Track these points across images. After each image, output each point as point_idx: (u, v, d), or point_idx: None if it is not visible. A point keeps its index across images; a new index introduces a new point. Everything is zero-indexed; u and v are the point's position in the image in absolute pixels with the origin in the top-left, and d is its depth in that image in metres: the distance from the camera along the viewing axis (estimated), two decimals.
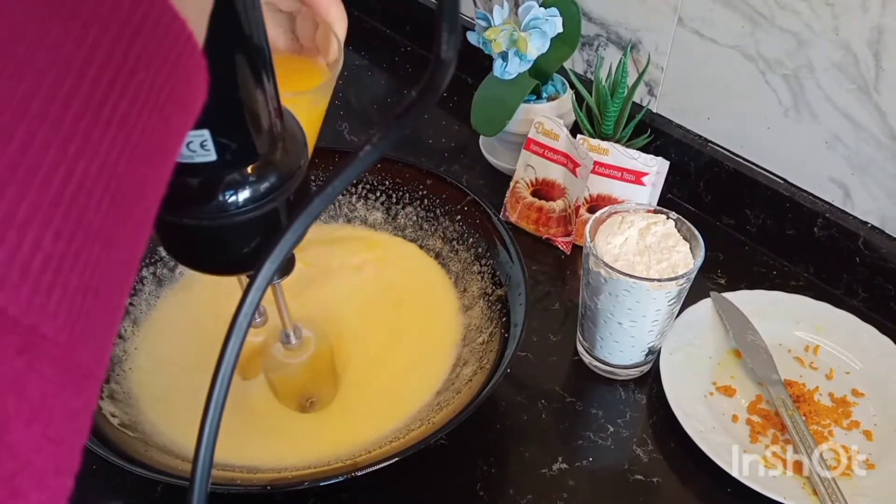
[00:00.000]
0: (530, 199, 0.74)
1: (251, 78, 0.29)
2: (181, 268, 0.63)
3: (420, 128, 0.91)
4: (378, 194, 0.67)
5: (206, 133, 0.28)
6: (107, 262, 0.17)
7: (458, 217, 0.64)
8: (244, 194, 0.31)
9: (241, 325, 0.26)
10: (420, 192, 0.66)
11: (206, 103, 0.25)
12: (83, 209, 0.16)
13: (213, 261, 0.35)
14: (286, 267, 0.39)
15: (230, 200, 0.31)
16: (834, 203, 0.67)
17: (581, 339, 0.62)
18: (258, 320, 0.48)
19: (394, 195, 0.67)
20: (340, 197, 0.68)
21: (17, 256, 0.14)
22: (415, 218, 0.66)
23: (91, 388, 0.17)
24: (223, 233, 0.32)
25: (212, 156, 0.29)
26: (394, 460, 0.45)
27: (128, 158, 0.17)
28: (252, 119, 0.30)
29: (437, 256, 0.65)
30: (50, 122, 0.15)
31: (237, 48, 0.28)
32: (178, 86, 0.19)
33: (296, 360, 0.51)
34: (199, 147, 0.29)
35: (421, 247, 0.66)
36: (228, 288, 0.62)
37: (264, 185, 0.31)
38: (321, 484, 0.45)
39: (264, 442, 0.52)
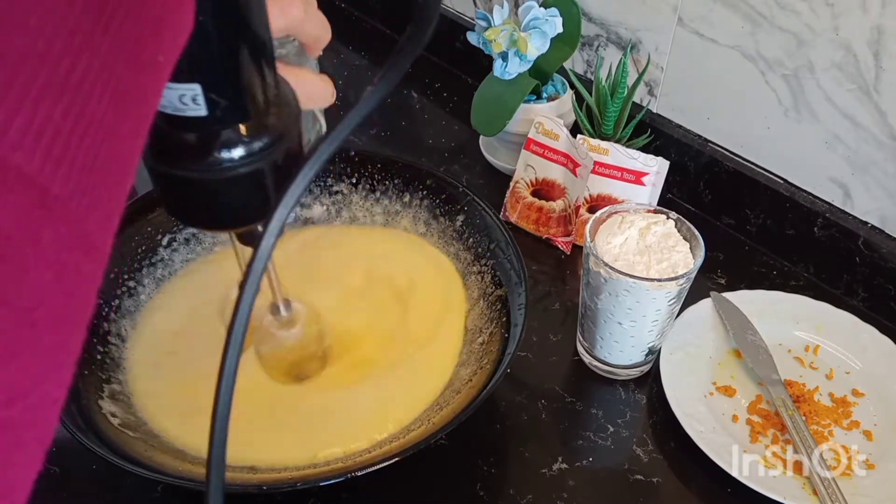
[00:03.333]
0: (530, 199, 0.74)
1: (245, 38, 0.30)
2: (180, 269, 0.63)
3: (420, 128, 0.91)
4: (378, 195, 0.67)
5: (197, 87, 0.29)
6: (108, 150, 0.19)
7: (458, 217, 0.64)
8: (232, 151, 0.32)
9: (257, 269, 0.27)
10: (420, 193, 0.66)
11: (199, 59, 0.28)
12: (87, 96, 0.18)
13: (200, 214, 0.36)
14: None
15: (217, 156, 0.32)
16: (834, 203, 0.67)
17: (581, 339, 0.62)
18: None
19: (394, 195, 0.67)
20: (341, 197, 0.68)
21: (32, 125, 0.17)
22: (415, 218, 0.66)
23: (98, 261, 0.19)
24: (209, 186, 0.33)
25: (202, 111, 0.30)
26: (394, 460, 0.45)
27: (124, 63, 0.19)
28: (244, 79, 0.31)
29: (437, 256, 0.65)
30: (58, 17, 0.17)
31: (232, 7, 0.29)
32: (167, 6, 0.22)
33: (287, 333, 0.51)
34: (191, 101, 0.30)
35: (420, 247, 0.66)
36: (226, 289, 0.62)
37: (252, 145, 0.32)
38: (321, 484, 0.45)
39: (264, 442, 0.52)
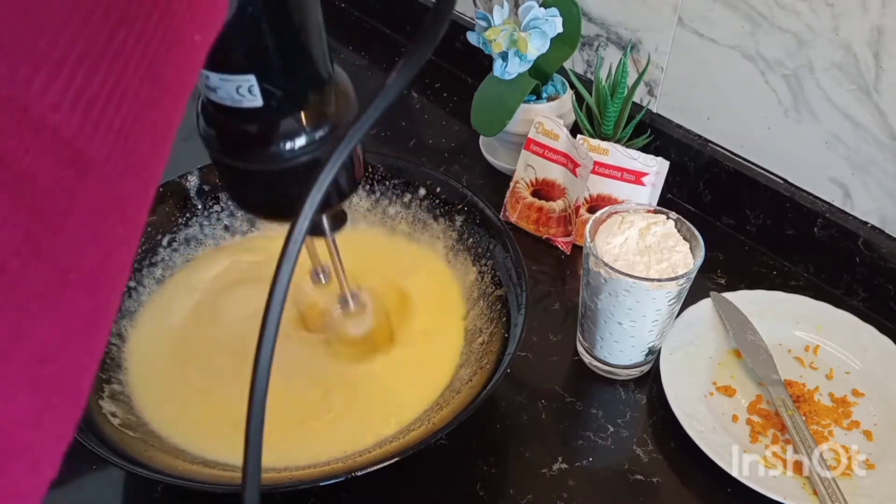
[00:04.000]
0: (530, 199, 0.74)
1: (297, 28, 0.31)
2: (180, 269, 0.63)
3: (420, 128, 0.91)
4: (378, 195, 0.67)
5: (252, 78, 0.30)
6: (144, 121, 0.20)
7: (458, 217, 0.64)
8: (292, 142, 0.32)
9: (291, 253, 0.27)
10: (420, 193, 0.66)
11: (253, 50, 0.29)
12: (123, 68, 0.19)
13: (262, 204, 0.37)
14: (339, 219, 0.41)
15: (277, 147, 0.32)
16: (834, 203, 0.67)
17: (581, 339, 0.62)
18: (322, 279, 0.48)
19: (394, 196, 0.67)
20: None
21: (69, 89, 0.18)
22: (415, 218, 0.66)
23: (132, 229, 0.20)
24: (270, 177, 0.34)
25: (258, 101, 0.31)
26: (394, 460, 0.45)
27: (159, 39, 0.20)
28: (298, 69, 0.32)
29: (437, 257, 0.65)
30: None
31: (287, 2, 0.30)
32: None
33: (357, 325, 0.53)
34: (247, 92, 0.30)
35: (420, 247, 0.66)
36: (227, 289, 0.62)
37: (314, 134, 0.33)
38: (321, 484, 0.45)
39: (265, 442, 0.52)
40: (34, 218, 0.17)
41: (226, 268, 0.64)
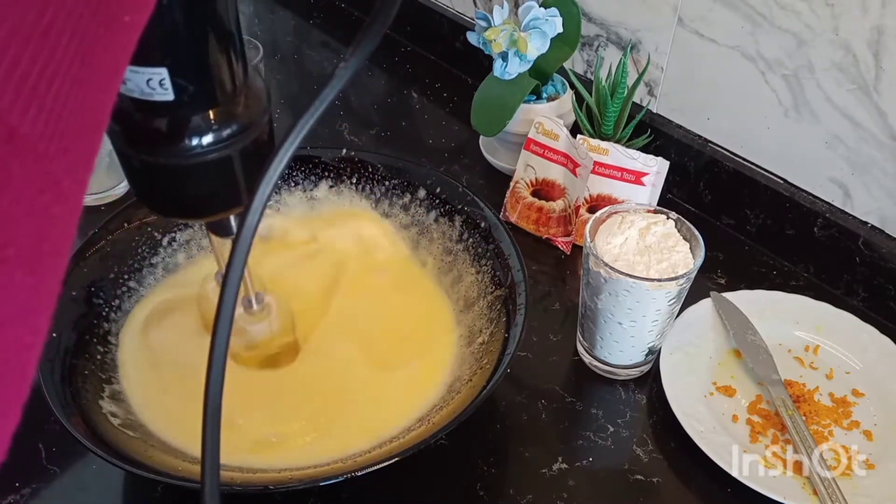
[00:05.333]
0: (530, 199, 0.74)
1: (212, 24, 0.31)
2: (181, 269, 0.63)
3: (420, 128, 0.91)
4: (378, 195, 0.67)
5: (164, 71, 0.30)
6: (76, 99, 0.20)
7: (458, 217, 0.64)
8: (200, 138, 0.32)
9: (241, 251, 0.27)
10: (420, 193, 0.66)
11: (166, 43, 0.29)
12: (54, 45, 0.19)
13: (170, 202, 0.36)
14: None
15: (186, 142, 0.32)
16: (834, 203, 0.67)
17: (581, 339, 0.62)
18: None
19: (394, 196, 0.67)
20: (337, 196, 0.68)
21: (0, 65, 0.17)
22: (414, 218, 0.66)
23: (69, 209, 0.20)
24: (178, 173, 0.34)
25: (169, 95, 0.31)
26: (394, 460, 0.45)
27: (89, 18, 0.20)
28: (211, 65, 0.32)
29: (437, 257, 0.65)
30: None
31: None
32: None
33: (259, 327, 0.51)
34: (158, 85, 0.30)
35: (420, 247, 0.66)
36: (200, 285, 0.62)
37: (221, 132, 0.33)
38: (321, 484, 0.45)
39: (267, 440, 0.52)
40: None
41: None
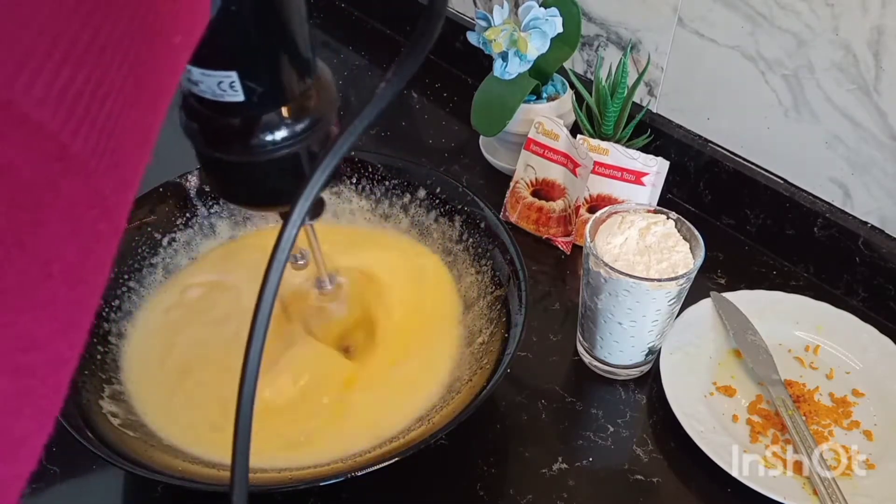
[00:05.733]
0: (530, 199, 0.74)
1: (279, 27, 0.32)
2: (182, 269, 0.63)
3: (420, 128, 0.91)
4: (378, 195, 0.67)
5: (234, 75, 0.31)
6: (126, 118, 0.20)
7: (458, 217, 0.64)
8: (272, 135, 0.34)
9: (281, 256, 0.28)
10: (420, 193, 0.66)
11: (234, 47, 0.30)
12: (107, 66, 0.19)
13: (243, 194, 0.38)
14: (316, 209, 0.42)
15: (258, 139, 0.34)
16: (834, 203, 0.67)
17: (581, 339, 0.62)
18: (301, 262, 0.50)
19: (394, 196, 0.67)
20: (337, 197, 0.68)
21: (54, 85, 0.18)
22: (414, 218, 0.66)
23: (113, 225, 0.20)
24: (250, 169, 0.35)
25: (239, 96, 0.32)
26: (394, 460, 0.45)
27: (140, 40, 0.21)
28: (279, 67, 0.33)
29: (437, 257, 0.65)
30: None
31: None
32: None
33: (333, 306, 0.54)
34: (229, 87, 0.32)
35: (420, 247, 0.66)
36: (228, 289, 0.62)
37: (293, 128, 0.34)
38: (321, 484, 0.45)
39: (265, 442, 0.52)
40: (18, 210, 0.17)
41: (226, 268, 0.64)
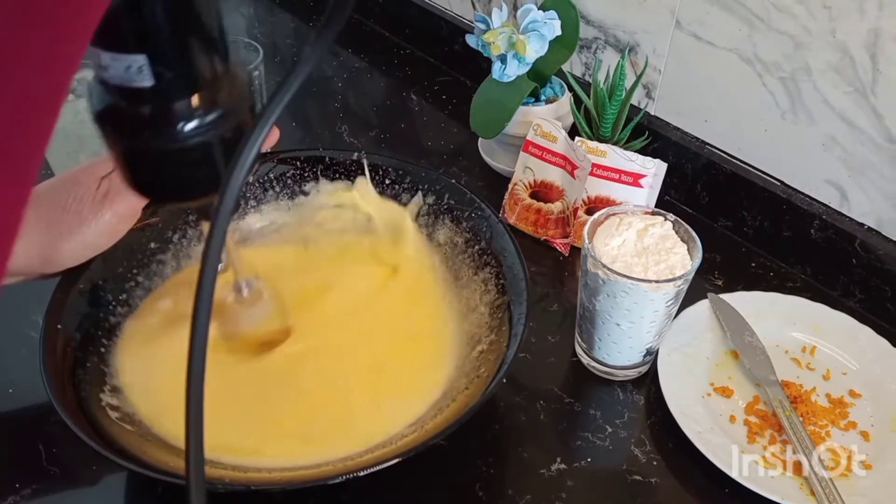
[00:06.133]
0: (529, 200, 0.75)
1: (191, 11, 0.32)
2: (186, 266, 0.63)
3: (419, 130, 0.91)
4: (384, 199, 0.67)
5: (142, 59, 0.31)
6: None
7: (459, 220, 0.64)
8: (181, 123, 0.33)
9: (216, 244, 0.28)
10: (420, 195, 0.66)
11: (144, 30, 0.30)
12: None
13: (154, 186, 0.37)
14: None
15: (167, 128, 0.33)
16: (831, 205, 0.68)
17: (579, 340, 0.62)
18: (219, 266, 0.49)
19: (394, 198, 0.67)
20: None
21: None
22: (420, 221, 0.66)
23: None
24: (159, 157, 0.35)
25: (148, 81, 0.31)
26: (394, 461, 0.45)
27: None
28: (190, 52, 0.33)
29: (438, 259, 0.65)
30: None
31: None
32: None
33: (250, 311, 0.52)
34: (137, 72, 0.31)
35: (420, 249, 0.66)
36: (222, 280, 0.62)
37: (203, 118, 0.34)
38: (320, 484, 0.45)
39: (264, 441, 0.52)
40: None
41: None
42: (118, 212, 0.53)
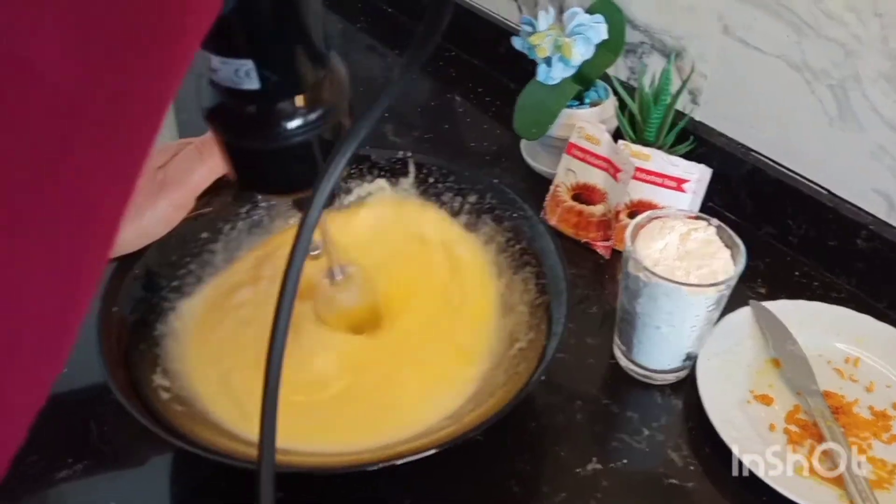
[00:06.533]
0: (570, 202, 0.75)
1: (295, 17, 0.33)
2: (243, 253, 0.65)
3: (462, 131, 0.92)
4: (426, 198, 0.68)
5: (249, 63, 0.33)
6: (138, 89, 0.21)
7: (501, 219, 0.65)
8: (287, 122, 0.35)
9: (303, 243, 0.29)
10: (469, 197, 0.67)
11: (251, 36, 0.32)
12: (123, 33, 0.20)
13: (258, 181, 0.40)
14: (329, 197, 0.44)
15: (274, 127, 0.35)
16: (878, 215, 0.67)
17: (618, 342, 0.62)
18: (314, 252, 0.52)
19: (443, 199, 0.68)
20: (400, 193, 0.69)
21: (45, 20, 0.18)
22: (464, 219, 0.67)
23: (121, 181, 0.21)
24: (265, 156, 0.37)
25: (255, 84, 0.34)
26: (432, 451, 0.46)
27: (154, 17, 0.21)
28: (294, 56, 0.35)
29: (481, 258, 0.65)
30: None
31: None
32: None
33: (343, 296, 0.55)
34: (245, 75, 0.33)
35: (466, 249, 0.66)
36: (274, 271, 0.63)
37: (305, 118, 0.36)
38: (361, 470, 0.46)
39: (304, 428, 0.53)
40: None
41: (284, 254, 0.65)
42: (173, 201, 0.55)
